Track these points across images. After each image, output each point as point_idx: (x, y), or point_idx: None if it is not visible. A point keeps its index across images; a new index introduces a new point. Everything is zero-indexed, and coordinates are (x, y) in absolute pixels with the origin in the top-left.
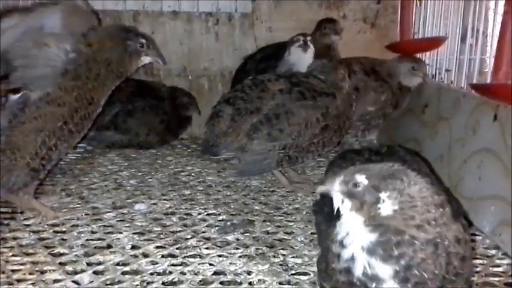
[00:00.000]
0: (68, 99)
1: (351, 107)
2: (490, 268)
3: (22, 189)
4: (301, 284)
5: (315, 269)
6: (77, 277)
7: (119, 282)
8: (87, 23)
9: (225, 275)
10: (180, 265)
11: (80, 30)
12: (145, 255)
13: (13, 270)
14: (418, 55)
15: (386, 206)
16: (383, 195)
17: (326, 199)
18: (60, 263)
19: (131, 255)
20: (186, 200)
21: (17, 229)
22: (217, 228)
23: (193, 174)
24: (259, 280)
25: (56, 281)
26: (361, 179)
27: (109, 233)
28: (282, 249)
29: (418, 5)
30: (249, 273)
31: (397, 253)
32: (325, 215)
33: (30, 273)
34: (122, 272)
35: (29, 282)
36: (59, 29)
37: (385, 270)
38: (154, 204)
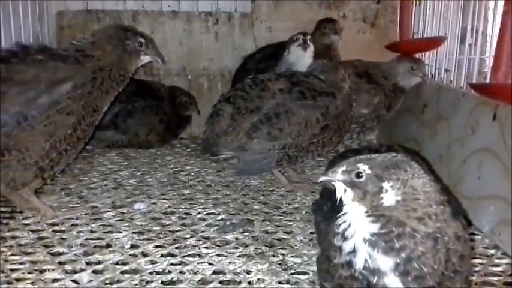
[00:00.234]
0: (76, 108)
1: (350, 108)
2: (489, 267)
3: (23, 185)
4: (300, 283)
5: (314, 268)
6: (76, 276)
7: (118, 281)
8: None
9: (224, 274)
10: (179, 264)
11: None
12: (144, 255)
13: (12, 270)
14: (418, 55)
15: (390, 196)
16: (386, 185)
17: (325, 198)
18: (60, 262)
19: (130, 255)
20: (186, 199)
21: (16, 228)
22: (216, 227)
23: (192, 173)
24: (258, 279)
25: (55, 280)
26: (364, 168)
27: (108, 232)
28: (281, 248)
29: (418, 5)
30: (248, 272)
31: (398, 245)
32: (325, 214)
33: (29, 273)
34: (121, 271)
35: (28, 281)
36: None
37: (386, 262)
38: (153, 203)
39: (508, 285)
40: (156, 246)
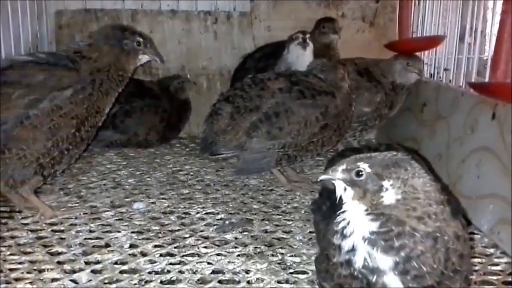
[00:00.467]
0: (80, 111)
1: (350, 107)
2: (489, 267)
3: (22, 183)
4: (299, 283)
5: (313, 267)
6: (75, 276)
7: (117, 281)
8: None
9: (224, 273)
10: (178, 264)
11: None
12: (143, 254)
13: (11, 269)
14: (417, 54)
15: (390, 195)
16: (386, 183)
17: (324, 198)
18: (58, 262)
19: (129, 254)
20: (185, 199)
21: (15, 228)
22: (215, 227)
23: (191, 173)
24: (257, 279)
25: (54, 279)
26: (364, 166)
27: (107, 232)
28: (281, 248)
29: (417, 4)
30: (247, 272)
31: (397, 244)
32: (324, 213)
33: (28, 272)
34: (120, 270)
35: (27, 281)
36: None
37: (385, 261)
38: (152, 203)
39: (507, 284)
40: (155, 246)
